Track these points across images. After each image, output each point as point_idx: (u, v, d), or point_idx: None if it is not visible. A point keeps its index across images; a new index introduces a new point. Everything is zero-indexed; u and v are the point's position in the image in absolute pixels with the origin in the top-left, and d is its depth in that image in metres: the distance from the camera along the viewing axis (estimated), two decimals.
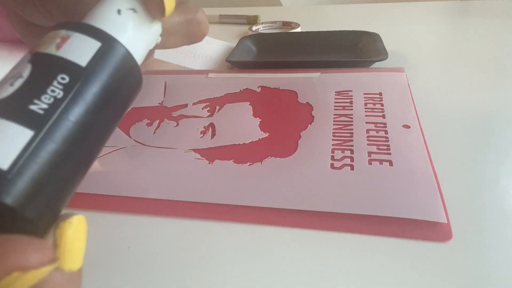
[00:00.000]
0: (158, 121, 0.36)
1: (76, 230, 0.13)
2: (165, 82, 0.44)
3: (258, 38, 0.56)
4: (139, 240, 0.23)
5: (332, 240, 0.21)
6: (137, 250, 0.22)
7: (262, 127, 0.33)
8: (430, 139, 0.29)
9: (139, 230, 0.23)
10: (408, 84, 0.38)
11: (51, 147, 0.12)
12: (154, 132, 0.34)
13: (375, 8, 0.78)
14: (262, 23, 0.68)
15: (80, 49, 0.14)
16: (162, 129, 0.34)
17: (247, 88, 0.41)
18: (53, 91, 0.13)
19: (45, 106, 0.12)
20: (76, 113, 0.13)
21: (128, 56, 0.15)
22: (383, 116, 0.33)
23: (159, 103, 0.40)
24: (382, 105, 0.34)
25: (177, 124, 0.35)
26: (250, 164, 0.28)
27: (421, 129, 0.30)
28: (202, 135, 0.33)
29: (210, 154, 0.30)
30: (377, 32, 0.52)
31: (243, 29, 0.68)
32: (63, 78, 0.13)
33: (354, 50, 0.51)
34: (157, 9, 0.16)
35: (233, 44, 0.54)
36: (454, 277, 0.19)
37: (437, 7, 0.76)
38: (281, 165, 0.28)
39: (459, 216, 0.22)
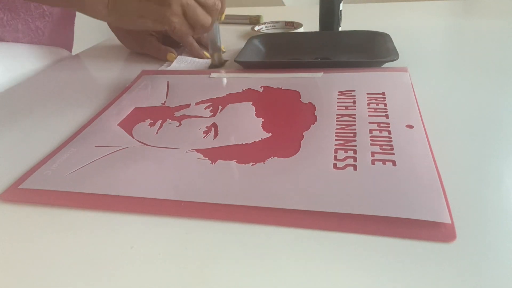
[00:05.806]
0: (160, 121, 0.36)
1: None
2: (168, 82, 0.44)
3: (265, 38, 0.56)
4: (142, 240, 0.23)
5: (335, 241, 0.21)
6: (139, 250, 0.22)
7: (265, 127, 0.33)
8: (434, 139, 0.29)
9: (142, 230, 0.23)
10: (412, 84, 0.38)
11: None
12: (157, 132, 0.34)
13: (376, 8, 0.78)
14: (265, 23, 0.68)
15: None
16: (164, 129, 0.34)
17: (249, 88, 0.41)
18: None
19: None
20: None
21: None
22: (387, 116, 0.32)
23: (161, 103, 0.40)
24: (385, 105, 0.34)
25: (180, 124, 0.35)
26: (253, 164, 0.28)
27: (424, 129, 0.30)
28: (204, 135, 0.33)
29: (213, 154, 0.30)
30: (379, 31, 0.52)
31: (246, 29, 0.68)
32: None
33: (359, 49, 0.51)
34: None
35: (240, 45, 0.54)
36: (457, 278, 0.19)
37: (441, 7, 0.76)
38: (284, 165, 0.28)
39: (463, 217, 0.22)
